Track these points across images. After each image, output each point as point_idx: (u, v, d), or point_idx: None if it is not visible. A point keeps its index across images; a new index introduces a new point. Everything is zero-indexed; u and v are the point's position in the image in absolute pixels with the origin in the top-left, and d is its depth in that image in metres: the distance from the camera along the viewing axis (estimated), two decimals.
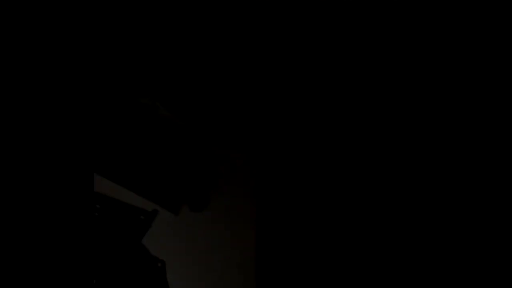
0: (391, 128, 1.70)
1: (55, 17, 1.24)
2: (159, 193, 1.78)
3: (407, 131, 1.70)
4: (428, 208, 1.69)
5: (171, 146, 1.79)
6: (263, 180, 1.75)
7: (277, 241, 1.74)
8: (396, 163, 1.71)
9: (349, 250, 1.71)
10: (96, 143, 1.71)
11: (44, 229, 1.20)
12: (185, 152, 1.81)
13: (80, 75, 1.30)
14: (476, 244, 1.65)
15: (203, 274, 1.76)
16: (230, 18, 1.59)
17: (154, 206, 1.77)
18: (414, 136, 1.70)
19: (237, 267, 1.78)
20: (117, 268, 1.59)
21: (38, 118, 1.22)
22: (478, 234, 1.65)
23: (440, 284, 1.66)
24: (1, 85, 1.17)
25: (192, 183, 1.82)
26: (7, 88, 1.17)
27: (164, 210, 1.77)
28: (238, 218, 1.82)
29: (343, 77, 1.68)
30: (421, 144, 1.70)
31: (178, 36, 1.65)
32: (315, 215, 1.72)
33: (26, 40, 1.20)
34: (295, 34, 1.63)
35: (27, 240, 1.16)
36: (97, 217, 1.64)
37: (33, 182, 1.20)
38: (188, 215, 1.80)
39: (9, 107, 1.17)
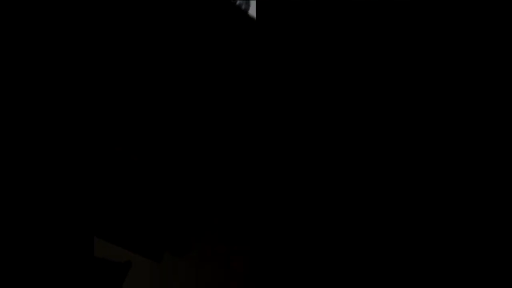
0: (391, 129, 1.68)
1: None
2: (140, 242, 1.78)
3: (407, 131, 1.68)
4: (428, 208, 1.66)
5: (148, 193, 1.79)
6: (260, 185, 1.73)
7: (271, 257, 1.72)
8: (396, 164, 1.68)
9: (349, 257, 1.68)
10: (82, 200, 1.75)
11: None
12: (163, 197, 1.80)
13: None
14: (476, 244, 1.62)
15: None
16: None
17: (133, 256, 1.78)
18: (414, 136, 1.68)
19: None
20: None
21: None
22: (478, 234, 1.63)
23: (440, 284, 1.62)
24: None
25: (173, 228, 1.81)
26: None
27: (145, 258, 1.77)
28: (220, 258, 1.79)
29: (342, 80, 1.69)
30: (421, 144, 1.68)
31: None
32: (315, 222, 1.70)
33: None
34: (294, 38, 1.64)
35: None
36: (68, 275, 1.66)
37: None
38: (171, 259, 1.79)
39: None
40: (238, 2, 1.53)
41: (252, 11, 1.65)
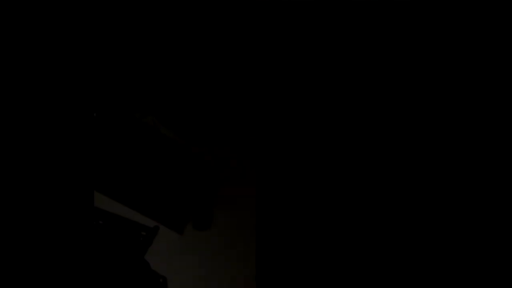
0: (391, 129, 1.71)
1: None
2: (164, 213, 1.83)
3: (407, 131, 1.70)
4: (428, 208, 1.69)
5: (174, 165, 1.86)
6: (263, 185, 1.77)
7: (278, 252, 1.75)
8: (396, 164, 1.71)
9: (350, 259, 1.70)
10: (99, 163, 1.80)
11: (45, 243, 1.23)
12: (188, 171, 1.86)
13: (82, 93, 1.35)
14: (476, 244, 1.65)
15: None
16: (229, 21, 1.65)
17: (157, 224, 1.83)
18: (414, 136, 1.70)
19: (239, 284, 1.79)
20: (118, 284, 1.63)
21: (41, 132, 1.26)
22: (478, 234, 1.65)
23: (440, 284, 1.65)
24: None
25: (196, 202, 1.87)
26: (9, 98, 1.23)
27: (168, 229, 1.82)
28: (240, 236, 1.85)
29: (343, 78, 1.71)
30: (421, 144, 1.70)
31: (176, 49, 1.73)
32: (316, 220, 1.72)
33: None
34: (295, 34, 1.67)
35: (29, 254, 1.19)
36: (99, 233, 1.69)
37: (35, 195, 1.24)
38: (192, 232, 1.84)
39: (13, 118, 1.24)
40: None
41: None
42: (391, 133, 1.71)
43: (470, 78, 1.66)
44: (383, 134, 1.72)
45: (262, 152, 1.80)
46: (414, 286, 1.67)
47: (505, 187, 1.64)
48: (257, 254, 1.79)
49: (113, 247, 1.68)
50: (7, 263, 1.19)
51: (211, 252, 1.83)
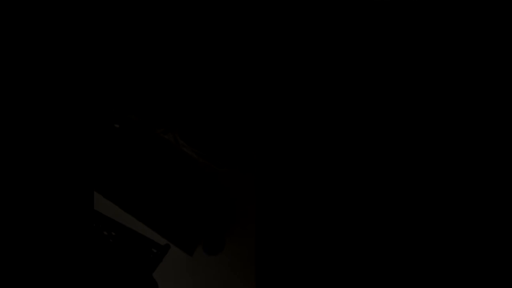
0: (392, 131, 1.69)
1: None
2: (175, 233, 1.79)
3: (407, 131, 1.68)
4: (428, 208, 1.66)
5: (191, 185, 1.83)
6: (263, 195, 1.75)
7: (278, 268, 1.72)
8: (396, 165, 1.69)
9: (351, 267, 1.67)
10: (115, 176, 1.78)
11: (50, 250, 1.20)
12: (204, 193, 1.84)
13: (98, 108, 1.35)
14: (476, 244, 1.62)
15: None
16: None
17: (168, 243, 1.79)
18: (414, 137, 1.68)
19: None
20: None
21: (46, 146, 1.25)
22: (478, 234, 1.62)
23: (440, 284, 1.62)
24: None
25: (209, 225, 1.83)
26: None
27: (178, 249, 1.78)
28: (250, 259, 1.80)
29: (345, 83, 1.70)
30: (421, 145, 1.68)
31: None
32: (318, 236, 1.70)
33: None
34: (295, 35, 1.67)
35: (30, 262, 1.16)
36: (111, 244, 1.66)
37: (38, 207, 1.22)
38: (201, 254, 1.80)
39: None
40: None
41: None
42: (391, 135, 1.69)
43: (470, 78, 1.65)
44: (383, 137, 1.70)
45: (264, 169, 1.77)
46: (414, 286, 1.64)
47: (505, 187, 1.62)
48: (257, 265, 1.75)
49: (123, 259, 1.64)
50: (6, 269, 1.16)
51: (220, 275, 1.78)
